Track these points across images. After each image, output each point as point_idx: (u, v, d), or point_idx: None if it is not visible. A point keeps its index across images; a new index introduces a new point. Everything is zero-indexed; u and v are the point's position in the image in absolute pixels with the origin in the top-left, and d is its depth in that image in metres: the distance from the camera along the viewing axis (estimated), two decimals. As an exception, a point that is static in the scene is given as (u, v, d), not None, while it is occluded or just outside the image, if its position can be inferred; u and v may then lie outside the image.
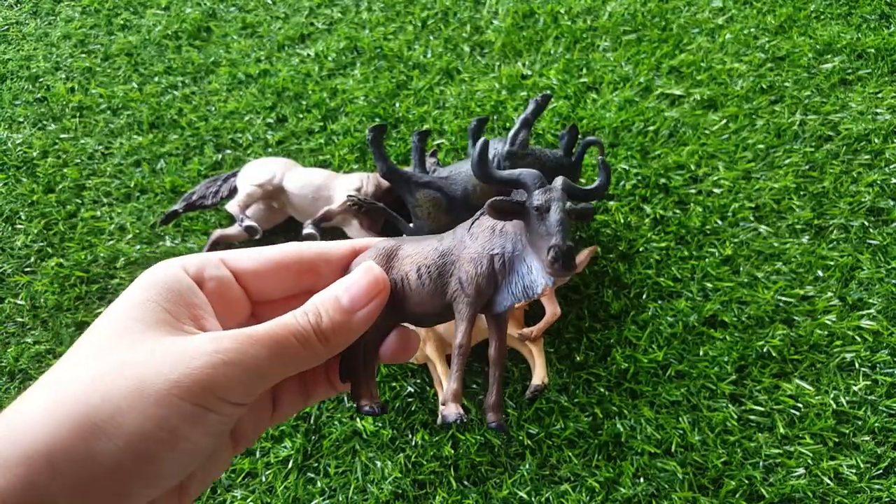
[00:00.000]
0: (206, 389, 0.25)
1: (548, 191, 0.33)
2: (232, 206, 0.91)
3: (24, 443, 0.23)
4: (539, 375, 0.79)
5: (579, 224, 0.96)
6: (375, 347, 0.36)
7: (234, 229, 0.92)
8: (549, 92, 0.91)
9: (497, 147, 0.84)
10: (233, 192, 0.95)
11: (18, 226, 1.03)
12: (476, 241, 0.35)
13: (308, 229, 0.87)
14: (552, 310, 0.81)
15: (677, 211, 0.96)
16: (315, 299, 0.30)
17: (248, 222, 0.89)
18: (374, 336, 0.35)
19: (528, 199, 0.33)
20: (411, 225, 0.84)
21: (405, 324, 0.37)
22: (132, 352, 0.26)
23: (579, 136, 1.00)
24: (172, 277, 0.29)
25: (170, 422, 0.24)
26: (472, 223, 0.36)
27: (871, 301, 0.86)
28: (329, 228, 0.94)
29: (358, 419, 0.84)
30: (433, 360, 0.81)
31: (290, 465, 0.81)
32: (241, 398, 0.27)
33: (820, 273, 0.89)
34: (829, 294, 0.87)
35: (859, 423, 0.79)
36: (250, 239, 0.91)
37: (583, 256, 0.87)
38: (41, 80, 1.21)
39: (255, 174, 0.93)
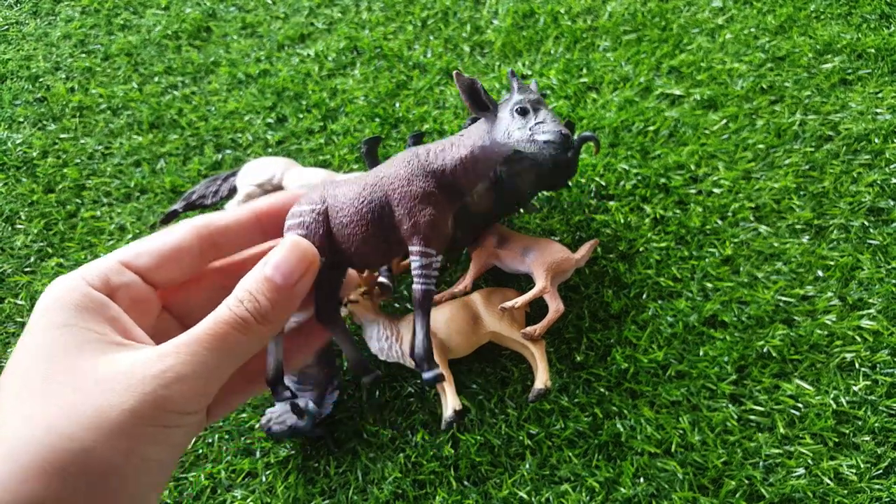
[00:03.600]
0: (163, 410, 0.25)
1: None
2: (231, 206, 0.91)
3: None
4: (542, 379, 0.78)
5: (580, 224, 0.96)
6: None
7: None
8: (540, 89, 0.91)
9: None
10: (232, 191, 0.95)
11: (18, 226, 1.03)
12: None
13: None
14: (555, 306, 0.81)
15: (677, 211, 0.96)
16: (246, 284, 0.30)
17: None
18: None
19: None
20: None
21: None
22: (76, 384, 0.25)
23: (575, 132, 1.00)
24: (80, 295, 0.28)
25: (136, 450, 0.24)
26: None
27: (871, 301, 0.86)
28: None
29: (359, 419, 0.84)
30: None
31: (290, 465, 0.81)
32: (200, 405, 0.27)
33: (820, 273, 0.89)
34: (830, 294, 0.87)
35: (859, 423, 0.79)
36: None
37: (584, 251, 0.87)
38: (41, 80, 1.21)
39: (254, 174, 0.93)
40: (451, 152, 0.44)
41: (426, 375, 0.46)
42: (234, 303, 0.29)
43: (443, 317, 0.80)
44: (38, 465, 0.23)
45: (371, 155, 0.77)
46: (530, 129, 0.41)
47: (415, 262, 0.43)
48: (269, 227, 0.35)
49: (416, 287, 0.44)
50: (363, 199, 0.41)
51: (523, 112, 0.41)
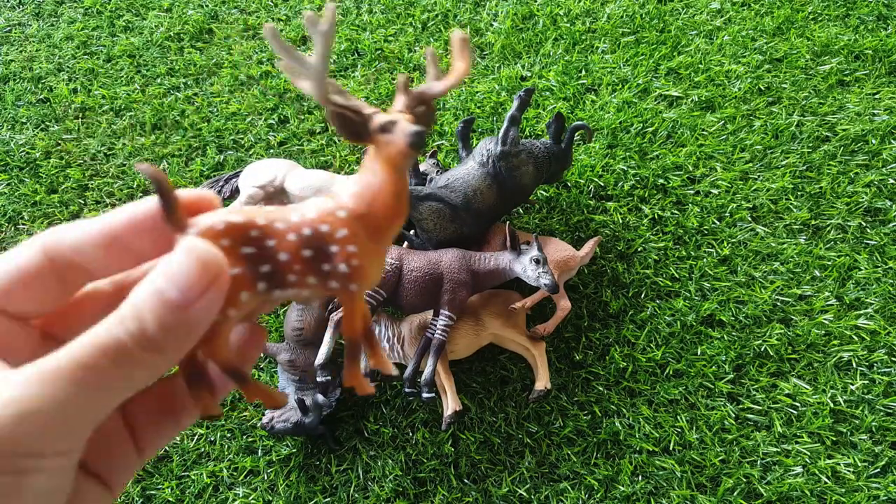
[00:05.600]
0: (9, 454, 0.20)
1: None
2: (234, 207, 0.92)
3: None
4: (542, 380, 0.79)
5: (579, 225, 0.97)
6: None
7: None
8: (531, 87, 0.92)
9: (490, 147, 0.85)
10: (235, 192, 0.96)
11: (21, 226, 1.04)
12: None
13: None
14: (563, 304, 0.82)
15: (675, 211, 0.97)
16: (132, 299, 0.23)
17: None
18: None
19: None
20: (416, 239, 0.85)
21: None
22: None
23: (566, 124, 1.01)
24: None
25: None
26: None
27: (868, 301, 0.87)
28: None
29: (360, 417, 0.84)
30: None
31: (291, 463, 0.82)
32: (62, 446, 0.22)
33: (817, 273, 0.90)
34: (827, 294, 0.88)
35: (857, 421, 0.79)
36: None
37: (588, 247, 0.87)
38: (44, 81, 1.21)
39: (256, 175, 0.94)
40: (487, 264, 0.79)
41: (425, 395, 0.74)
42: (114, 323, 0.22)
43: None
44: None
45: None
46: (538, 274, 0.75)
47: (442, 320, 0.77)
48: (137, 241, 0.27)
49: (437, 337, 0.76)
50: (428, 270, 0.77)
51: (537, 262, 0.76)
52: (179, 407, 0.29)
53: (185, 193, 0.27)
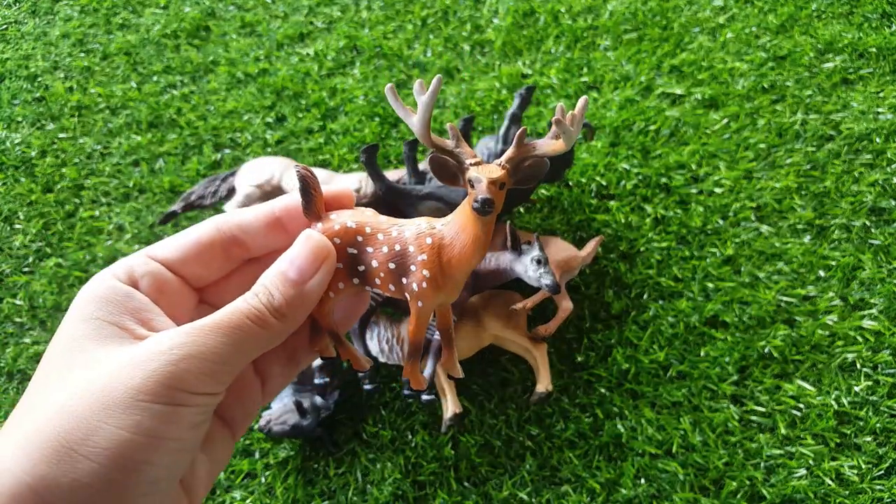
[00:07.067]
0: (170, 387, 0.25)
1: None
2: (230, 207, 0.91)
3: (7, 483, 0.23)
4: (543, 382, 0.78)
5: (581, 224, 0.96)
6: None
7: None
8: (532, 84, 0.91)
9: (490, 146, 0.84)
10: (231, 191, 0.95)
11: (17, 226, 1.03)
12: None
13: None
14: (565, 304, 0.81)
15: (678, 211, 0.96)
16: (263, 279, 0.30)
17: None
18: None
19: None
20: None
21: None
22: (90, 370, 0.26)
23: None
24: (106, 288, 0.29)
25: (143, 426, 0.25)
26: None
27: (872, 301, 0.86)
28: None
29: (358, 421, 0.84)
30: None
31: (289, 466, 0.81)
32: (210, 388, 0.27)
33: (821, 273, 0.89)
34: (831, 294, 0.87)
35: (861, 423, 0.79)
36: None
37: (590, 247, 0.86)
38: (40, 79, 1.20)
39: (253, 174, 0.93)
40: (487, 264, 0.76)
41: (425, 398, 0.73)
42: (250, 296, 0.29)
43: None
44: (51, 445, 0.24)
45: (371, 163, 0.77)
46: (539, 274, 0.72)
47: None
48: (291, 224, 0.34)
49: (437, 338, 0.73)
50: None
51: (538, 262, 0.73)
52: (299, 353, 0.36)
53: (327, 190, 0.35)
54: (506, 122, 0.81)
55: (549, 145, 0.36)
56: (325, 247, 0.32)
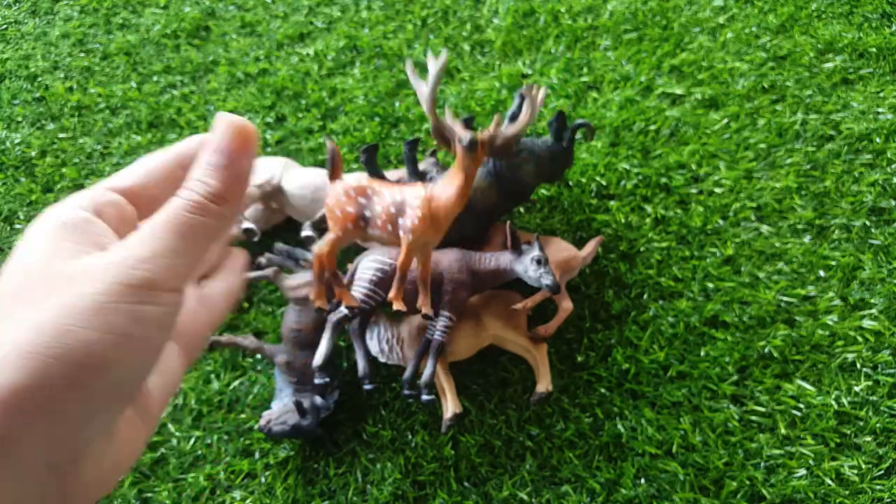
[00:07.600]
0: (134, 287, 0.26)
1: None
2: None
3: None
4: (543, 382, 0.78)
5: (581, 224, 0.96)
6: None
7: (231, 231, 0.92)
8: (532, 84, 0.91)
9: None
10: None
11: (17, 226, 1.03)
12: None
13: (307, 231, 0.86)
14: (565, 305, 0.81)
15: (678, 211, 0.96)
16: (192, 174, 0.31)
17: (245, 224, 0.88)
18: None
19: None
20: None
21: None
22: (51, 284, 0.27)
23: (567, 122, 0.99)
24: (67, 213, 0.30)
25: (112, 325, 0.26)
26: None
27: (872, 301, 0.86)
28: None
29: (358, 420, 0.83)
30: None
31: (289, 466, 0.81)
32: (173, 283, 0.28)
33: (822, 273, 0.89)
34: (831, 294, 0.87)
35: (861, 423, 0.79)
36: (248, 241, 0.90)
37: (590, 247, 0.86)
38: (40, 79, 1.20)
39: (253, 174, 0.93)
40: (487, 264, 0.76)
41: (425, 397, 0.73)
42: (185, 191, 0.30)
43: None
44: (20, 354, 0.24)
45: (371, 163, 0.77)
46: (539, 274, 0.73)
47: (442, 321, 0.75)
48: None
49: (437, 338, 0.75)
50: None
51: (538, 262, 0.73)
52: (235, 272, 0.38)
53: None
54: (506, 122, 0.81)
55: (511, 127, 0.55)
56: (243, 123, 0.32)
